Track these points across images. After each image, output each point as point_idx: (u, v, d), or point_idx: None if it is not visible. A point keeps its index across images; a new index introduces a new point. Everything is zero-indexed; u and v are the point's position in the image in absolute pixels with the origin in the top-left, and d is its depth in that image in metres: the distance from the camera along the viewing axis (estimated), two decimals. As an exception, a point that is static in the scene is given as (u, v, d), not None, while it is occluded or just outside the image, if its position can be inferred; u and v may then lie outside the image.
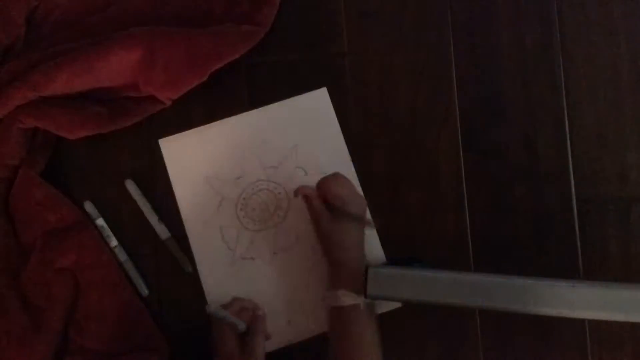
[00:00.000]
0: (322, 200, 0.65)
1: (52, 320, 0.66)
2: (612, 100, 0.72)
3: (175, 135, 0.72)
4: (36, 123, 0.67)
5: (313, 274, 0.69)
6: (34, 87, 0.65)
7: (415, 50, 0.73)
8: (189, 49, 0.67)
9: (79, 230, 0.69)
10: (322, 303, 0.65)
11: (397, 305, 0.69)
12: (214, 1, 0.72)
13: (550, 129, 0.72)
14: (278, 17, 0.72)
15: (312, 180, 0.70)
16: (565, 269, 0.70)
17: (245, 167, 0.72)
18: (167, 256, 0.71)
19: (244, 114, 0.72)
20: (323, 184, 0.65)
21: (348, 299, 0.62)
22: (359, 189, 0.70)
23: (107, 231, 0.70)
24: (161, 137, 0.72)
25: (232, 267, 0.70)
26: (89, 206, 0.70)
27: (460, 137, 0.72)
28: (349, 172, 0.71)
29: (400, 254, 0.70)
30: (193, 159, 0.72)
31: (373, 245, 0.70)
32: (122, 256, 0.70)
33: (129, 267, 0.70)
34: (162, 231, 0.70)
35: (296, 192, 0.67)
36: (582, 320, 0.70)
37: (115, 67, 0.66)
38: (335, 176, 0.65)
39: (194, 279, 0.70)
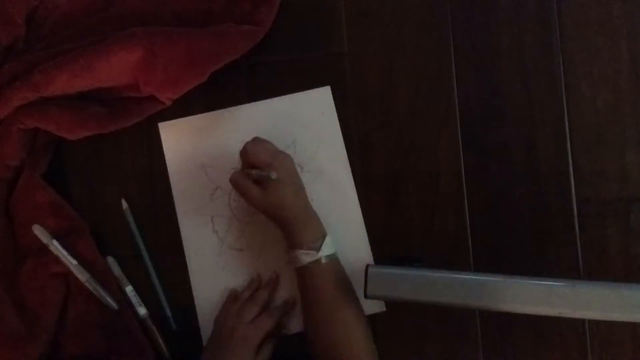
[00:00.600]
0: (249, 167, 0.65)
1: (45, 325, 0.66)
2: (612, 100, 0.72)
3: (175, 120, 0.72)
4: (36, 123, 0.67)
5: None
6: (34, 87, 0.65)
7: (415, 50, 0.73)
8: (189, 49, 0.67)
9: (76, 237, 0.69)
10: (288, 267, 0.66)
11: (382, 309, 0.70)
12: (214, 1, 0.72)
13: (550, 129, 0.72)
14: (278, 17, 0.71)
15: (306, 176, 0.70)
16: (565, 269, 0.70)
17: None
18: (167, 256, 0.71)
19: (246, 105, 0.72)
20: (244, 153, 0.65)
21: (307, 257, 0.63)
22: (355, 192, 0.71)
23: (63, 251, 0.67)
24: (160, 138, 0.72)
25: (220, 257, 0.71)
26: (38, 231, 0.67)
27: (460, 137, 0.72)
28: (346, 172, 0.71)
29: (400, 254, 0.70)
30: (191, 145, 0.72)
31: (362, 246, 0.70)
32: (84, 276, 0.68)
33: (93, 285, 0.67)
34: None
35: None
36: (582, 320, 0.70)
37: (115, 67, 0.66)
38: (254, 140, 0.65)
39: (186, 282, 0.70)
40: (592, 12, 0.72)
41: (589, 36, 0.72)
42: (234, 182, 0.65)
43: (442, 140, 0.72)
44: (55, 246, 0.67)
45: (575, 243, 0.71)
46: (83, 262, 0.68)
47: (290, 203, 0.64)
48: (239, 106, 0.72)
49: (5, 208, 0.69)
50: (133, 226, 0.71)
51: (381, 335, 0.68)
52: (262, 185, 0.63)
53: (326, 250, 0.64)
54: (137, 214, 0.71)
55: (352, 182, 0.71)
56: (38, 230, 0.67)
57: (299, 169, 0.71)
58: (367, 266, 0.63)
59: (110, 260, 0.70)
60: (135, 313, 0.69)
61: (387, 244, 0.71)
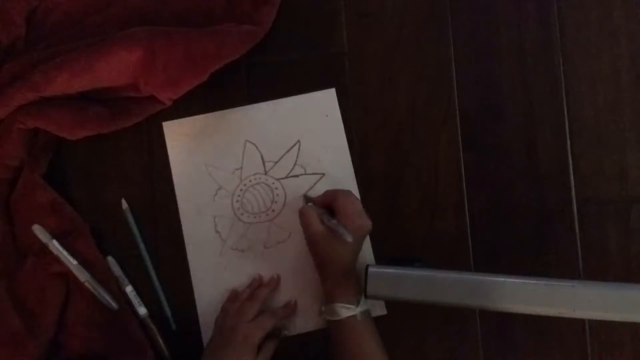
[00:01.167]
0: (324, 208, 0.65)
1: (45, 324, 0.66)
2: (612, 100, 0.72)
3: (179, 120, 0.72)
4: (36, 124, 0.67)
5: (302, 272, 0.70)
6: (34, 87, 0.65)
7: (415, 50, 0.73)
8: (189, 49, 0.67)
9: (76, 237, 0.69)
10: (321, 317, 0.66)
11: (383, 312, 0.70)
12: (214, 1, 0.72)
13: (550, 129, 0.72)
14: (278, 17, 0.72)
15: (309, 178, 0.70)
16: (565, 269, 0.70)
17: (245, 158, 0.72)
18: (167, 256, 0.71)
19: (251, 105, 0.72)
20: (332, 197, 0.65)
21: (344, 311, 0.63)
22: (356, 190, 0.71)
23: (63, 251, 0.67)
24: (161, 138, 0.72)
25: (222, 257, 0.71)
26: (38, 230, 0.67)
27: (460, 137, 0.72)
28: (349, 175, 0.71)
29: (400, 254, 0.70)
30: (195, 145, 0.72)
31: (363, 247, 0.70)
32: (84, 275, 0.68)
33: (93, 285, 0.67)
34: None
35: (304, 196, 0.68)
36: (582, 320, 0.70)
37: (115, 67, 0.66)
38: (349, 194, 0.65)
39: (187, 282, 0.70)
40: (592, 12, 0.72)
41: (589, 36, 0.72)
42: (306, 215, 0.64)
43: (442, 140, 0.72)
44: (55, 246, 0.67)
45: (575, 243, 0.71)
46: (83, 262, 0.68)
47: (345, 262, 0.64)
48: (244, 107, 0.72)
49: (6, 208, 0.69)
50: (133, 226, 0.71)
51: (381, 336, 0.68)
52: (331, 232, 0.63)
53: (363, 306, 0.64)
54: (137, 213, 0.71)
55: (355, 184, 0.71)
56: (38, 230, 0.67)
57: (301, 170, 0.71)
58: (367, 266, 0.63)
59: (111, 260, 0.70)
60: (135, 313, 0.69)
61: (387, 244, 0.71)
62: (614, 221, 0.71)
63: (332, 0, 0.73)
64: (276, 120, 0.72)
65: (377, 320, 0.69)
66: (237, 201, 0.71)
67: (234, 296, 0.69)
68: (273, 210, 0.71)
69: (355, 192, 0.71)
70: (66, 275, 0.68)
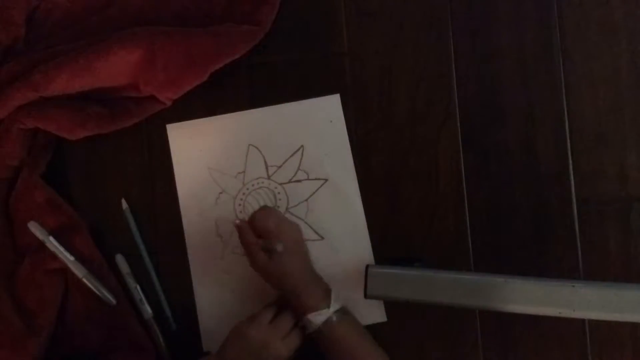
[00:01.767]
0: (256, 235, 0.64)
1: (44, 322, 0.66)
2: (612, 100, 0.72)
3: (183, 122, 0.72)
4: (36, 123, 0.67)
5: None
6: (34, 87, 0.65)
7: (415, 50, 0.73)
8: (189, 49, 0.67)
9: (75, 234, 0.69)
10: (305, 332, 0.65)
11: (383, 319, 0.69)
12: (214, 1, 0.72)
13: (550, 129, 0.72)
14: (278, 17, 0.72)
15: (312, 183, 0.70)
16: (565, 269, 0.70)
17: (248, 162, 0.72)
18: (168, 256, 0.71)
19: (255, 110, 0.72)
20: (251, 220, 0.64)
21: (319, 317, 0.62)
22: (359, 199, 0.71)
23: (60, 247, 0.67)
24: (161, 138, 0.72)
25: (223, 261, 0.71)
26: (34, 227, 0.67)
27: (460, 137, 0.72)
28: (352, 181, 0.71)
29: (400, 254, 0.70)
30: (198, 148, 0.72)
31: (364, 249, 0.70)
32: (81, 271, 0.68)
33: (91, 281, 0.67)
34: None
35: (235, 222, 0.66)
36: (582, 320, 0.70)
37: (115, 67, 0.66)
38: (263, 209, 0.65)
39: (187, 282, 0.70)
40: (592, 12, 0.72)
41: (589, 36, 0.72)
42: (243, 239, 0.64)
43: (442, 140, 0.72)
44: (52, 242, 0.67)
45: (575, 243, 0.71)
46: (81, 259, 0.68)
47: (295, 272, 0.64)
48: (248, 111, 0.72)
49: (5, 207, 0.69)
50: (133, 226, 0.71)
51: (381, 336, 0.68)
52: (268, 253, 0.63)
53: (335, 305, 0.63)
54: (137, 213, 0.71)
55: (357, 189, 0.71)
56: (34, 227, 0.67)
57: (304, 175, 0.71)
58: (367, 266, 0.63)
59: (119, 258, 0.70)
60: (140, 312, 0.69)
61: (387, 244, 0.71)
62: (614, 221, 0.71)
63: (332, 0, 0.73)
64: (280, 124, 0.72)
65: (377, 324, 0.69)
66: (240, 205, 0.71)
67: (266, 306, 0.67)
68: (275, 216, 0.71)
69: (357, 196, 0.71)
70: (64, 272, 0.68)
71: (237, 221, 0.65)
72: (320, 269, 0.67)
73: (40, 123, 0.67)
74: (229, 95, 0.72)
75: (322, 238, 0.70)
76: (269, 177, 0.72)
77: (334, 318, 0.62)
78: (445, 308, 0.67)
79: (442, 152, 0.72)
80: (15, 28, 0.70)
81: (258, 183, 0.72)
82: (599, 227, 0.71)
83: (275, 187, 0.71)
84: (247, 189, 0.71)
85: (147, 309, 0.69)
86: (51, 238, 0.67)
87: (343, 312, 0.64)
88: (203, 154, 0.72)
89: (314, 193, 0.71)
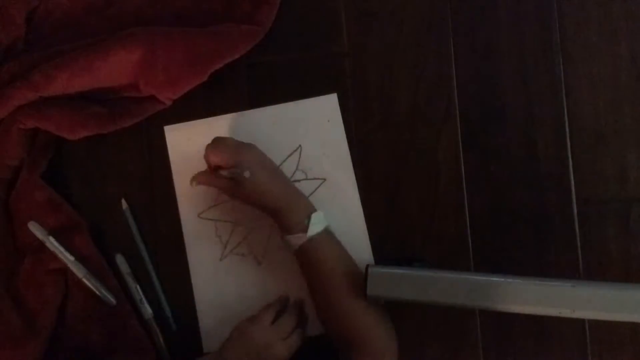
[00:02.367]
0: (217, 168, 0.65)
1: (44, 321, 0.66)
2: (612, 100, 0.72)
3: (180, 124, 0.72)
4: (36, 123, 0.67)
5: (300, 279, 0.69)
6: (34, 87, 0.65)
7: (415, 50, 0.73)
8: (189, 49, 0.67)
9: (74, 233, 0.69)
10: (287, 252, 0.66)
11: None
12: (214, 1, 0.72)
13: (550, 129, 0.72)
14: (278, 17, 0.71)
15: (310, 183, 0.70)
16: (565, 269, 0.70)
17: (247, 163, 0.72)
18: (168, 256, 0.71)
19: (252, 110, 0.72)
20: (207, 156, 0.65)
21: (297, 240, 0.63)
22: (358, 198, 0.71)
23: (60, 248, 0.67)
24: (161, 138, 0.72)
25: (222, 262, 0.71)
26: (33, 227, 0.68)
27: (460, 137, 0.72)
28: (350, 180, 0.71)
29: (400, 254, 0.70)
30: (196, 149, 0.71)
31: (363, 249, 0.70)
32: (81, 272, 0.68)
33: (91, 281, 0.67)
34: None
35: (192, 181, 0.66)
36: (582, 320, 0.70)
37: (115, 67, 0.66)
38: (212, 144, 0.65)
39: (187, 283, 0.71)
40: (592, 12, 0.72)
41: (589, 36, 0.72)
42: (205, 182, 0.65)
43: (442, 140, 0.72)
44: (52, 242, 0.67)
45: (575, 243, 0.71)
46: (81, 259, 0.68)
47: (267, 190, 0.64)
48: (245, 111, 0.72)
49: (5, 207, 0.69)
50: (133, 226, 0.71)
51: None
52: (235, 180, 0.63)
53: (315, 228, 0.63)
54: (137, 213, 0.71)
55: (356, 188, 0.71)
56: (34, 227, 0.67)
57: (303, 175, 0.71)
58: (367, 266, 0.63)
59: (120, 258, 0.70)
60: (140, 312, 0.69)
61: (387, 244, 0.71)
62: (614, 221, 0.71)
63: (332, 0, 0.73)
64: (278, 125, 0.72)
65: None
66: (238, 205, 0.71)
67: (267, 307, 0.67)
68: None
69: (356, 195, 0.71)
70: (64, 271, 0.68)
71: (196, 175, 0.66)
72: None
73: (40, 123, 0.67)
74: (229, 95, 0.72)
75: (322, 238, 0.71)
76: None
77: (315, 239, 0.63)
78: (445, 308, 0.67)
79: (442, 152, 0.72)
80: (15, 28, 0.70)
81: (257, 183, 0.72)
82: (599, 227, 0.71)
83: (275, 187, 0.71)
84: (247, 189, 0.71)
85: (147, 309, 0.69)
86: (51, 238, 0.67)
87: (325, 233, 0.64)
88: (201, 156, 0.71)
89: (312, 193, 0.71)
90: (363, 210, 0.71)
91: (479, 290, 0.62)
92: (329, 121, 0.72)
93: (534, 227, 0.71)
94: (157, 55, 0.66)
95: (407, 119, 0.72)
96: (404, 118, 0.72)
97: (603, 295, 0.60)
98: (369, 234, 0.70)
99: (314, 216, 0.63)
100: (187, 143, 0.72)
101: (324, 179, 0.71)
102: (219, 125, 0.72)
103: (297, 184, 0.71)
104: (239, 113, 0.72)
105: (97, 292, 0.67)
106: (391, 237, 0.71)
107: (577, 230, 0.71)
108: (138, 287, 0.69)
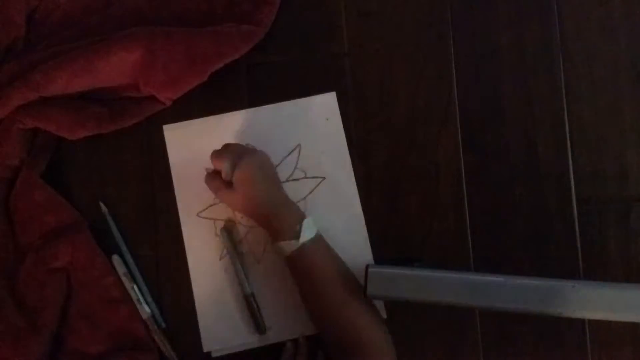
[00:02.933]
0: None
1: (46, 321, 0.66)
2: (612, 100, 0.72)
3: (179, 123, 0.72)
4: (36, 123, 0.67)
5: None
6: (34, 87, 0.65)
7: (415, 50, 0.73)
8: (189, 49, 0.67)
9: (75, 232, 0.69)
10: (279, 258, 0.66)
11: (383, 316, 0.69)
12: (214, 1, 0.72)
13: (550, 129, 0.72)
14: (278, 17, 0.72)
15: (309, 182, 0.70)
16: (565, 269, 0.70)
17: (246, 161, 0.72)
18: (168, 256, 0.71)
19: (251, 109, 0.72)
20: (212, 159, 0.66)
21: (288, 247, 0.63)
22: (357, 197, 0.71)
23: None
24: (161, 138, 0.72)
25: (222, 261, 0.71)
26: (116, 262, 0.70)
27: (460, 137, 0.72)
28: (349, 179, 0.71)
29: (400, 254, 0.70)
30: (195, 148, 0.72)
31: (362, 248, 0.70)
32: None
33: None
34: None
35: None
36: (582, 320, 0.70)
37: (115, 67, 0.66)
38: (218, 149, 0.66)
39: (187, 283, 0.70)
40: (592, 12, 0.72)
41: (589, 36, 0.72)
42: (207, 183, 0.67)
43: (442, 140, 0.72)
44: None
45: (575, 243, 0.71)
46: (82, 257, 0.68)
47: (261, 199, 0.64)
48: (244, 110, 0.72)
49: (5, 207, 0.69)
50: (114, 229, 0.70)
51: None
52: (229, 185, 0.64)
53: (306, 234, 0.63)
54: (137, 214, 0.71)
55: (355, 187, 0.71)
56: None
57: (302, 174, 0.71)
58: (367, 266, 0.63)
59: (116, 258, 0.70)
60: (139, 312, 0.69)
61: (387, 244, 0.71)
62: (614, 221, 0.71)
63: (332, 0, 0.73)
64: (277, 123, 0.72)
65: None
66: None
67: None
68: (273, 214, 0.71)
69: (355, 194, 0.71)
70: (66, 270, 0.68)
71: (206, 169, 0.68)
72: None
73: (40, 123, 0.67)
74: (229, 95, 0.72)
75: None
76: None
77: (307, 246, 0.63)
78: (445, 308, 0.67)
79: (442, 152, 0.72)
80: (15, 28, 0.70)
81: (256, 182, 0.72)
82: (599, 227, 0.71)
83: (274, 186, 0.71)
84: (245, 188, 0.72)
85: (145, 309, 0.69)
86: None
87: (317, 238, 0.64)
88: (200, 155, 0.71)
89: (311, 191, 0.71)
90: (363, 209, 0.71)
91: (479, 290, 0.62)
92: (328, 119, 0.72)
93: (534, 227, 0.71)
94: (157, 55, 0.66)
95: (407, 119, 0.72)
96: (404, 118, 0.72)
97: (603, 295, 0.60)
98: (369, 234, 0.70)
99: (305, 222, 0.63)
100: (186, 142, 0.72)
101: (323, 178, 0.71)
102: (218, 125, 0.72)
103: (296, 183, 0.71)
104: (237, 112, 0.72)
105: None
106: (391, 237, 0.71)
107: (577, 230, 0.71)
108: (135, 287, 0.69)
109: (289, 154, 0.72)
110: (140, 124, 0.71)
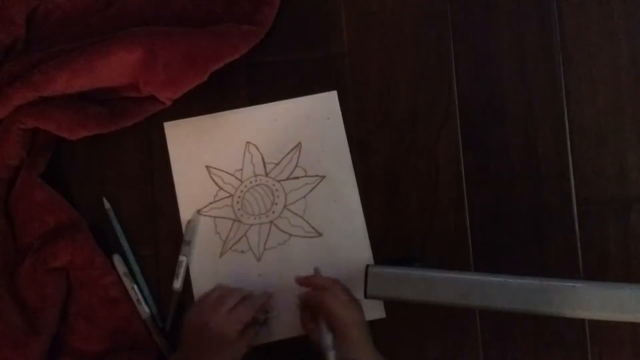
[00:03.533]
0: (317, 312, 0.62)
1: (46, 321, 0.66)
2: (612, 100, 0.72)
3: (180, 120, 0.72)
4: (36, 123, 0.67)
5: (301, 275, 0.69)
6: (34, 87, 0.65)
7: (415, 50, 0.73)
8: (189, 49, 0.67)
9: (75, 232, 0.69)
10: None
11: (382, 315, 0.69)
12: (214, 1, 0.72)
13: (550, 129, 0.72)
14: (278, 17, 0.72)
15: (310, 180, 0.70)
16: (565, 269, 0.70)
17: (246, 160, 0.72)
18: (168, 256, 0.71)
19: (252, 107, 0.72)
20: (318, 300, 0.61)
21: None
22: (357, 196, 0.71)
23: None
24: (161, 138, 0.72)
25: (221, 258, 0.71)
26: (117, 260, 0.69)
27: (460, 137, 0.72)
28: (350, 178, 0.71)
29: (400, 254, 0.70)
30: (196, 145, 0.72)
31: (362, 247, 0.70)
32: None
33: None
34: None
35: (300, 281, 0.65)
36: (582, 320, 0.70)
37: (115, 67, 0.66)
38: (334, 286, 0.62)
39: (187, 282, 0.70)
40: (592, 12, 0.72)
41: (589, 36, 0.72)
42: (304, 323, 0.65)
43: (442, 140, 0.72)
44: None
45: (575, 243, 0.71)
46: (83, 257, 0.68)
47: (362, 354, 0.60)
48: (245, 108, 0.72)
49: (5, 207, 0.69)
50: (116, 225, 0.70)
51: (381, 336, 0.68)
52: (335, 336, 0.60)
53: None
54: (137, 213, 0.71)
55: (355, 186, 0.71)
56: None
57: (302, 172, 0.71)
58: (367, 266, 0.63)
59: (117, 258, 0.70)
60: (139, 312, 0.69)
61: (387, 244, 0.71)
62: (614, 221, 0.71)
63: (332, 0, 0.73)
64: (278, 121, 0.72)
65: (377, 322, 0.69)
66: (238, 202, 0.71)
67: (210, 292, 0.65)
68: (273, 212, 0.71)
69: (355, 192, 0.71)
70: (66, 270, 0.68)
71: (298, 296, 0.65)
72: (320, 265, 0.67)
73: (40, 123, 0.67)
74: (229, 95, 0.72)
75: (321, 234, 0.71)
76: (267, 174, 0.72)
77: None
78: (445, 308, 0.67)
79: (442, 152, 0.72)
80: (15, 28, 0.70)
81: (256, 180, 0.72)
82: (599, 227, 0.71)
83: (273, 184, 0.71)
84: (245, 186, 0.72)
85: (145, 309, 0.69)
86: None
87: None
88: (201, 152, 0.72)
89: (312, 190, 0.71)
90: (363, 209, 0.71)
91: (479, 290, 0.62)
92: (329, 118, 0.72)
93: (534, 227, 0.71)
94: (157, 55, 0.66)
95: (407, 119, 0.72)
96: (404, 118, 0.72)
97: (603, 295, 0.60)
98: (369, 233, 0.70)
99: None
100: (186, 139, 0.72)
101: (324, 176, 0.71)
102: (219, 122, 0.72)
103: (296, 181, 0.71)
104: (239, 110, 0.72)
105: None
106: (391, 237, 0.71)
107: (577, 230, 0.71)
108: (135, 286, 0.69)
109: (290, 152, 0.72)
110: (141, 123, 0.71)
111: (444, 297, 0.62)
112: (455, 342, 0.70)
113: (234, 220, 0.71)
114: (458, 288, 0.62)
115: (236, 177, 0.72)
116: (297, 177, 0.72)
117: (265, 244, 0.71)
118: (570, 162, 0.71)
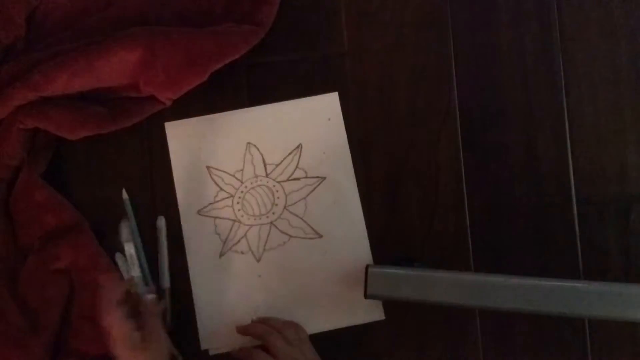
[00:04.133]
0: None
1: (48, 322, 0.66)
2: (612, 100, 0.72)
3: (181, 120, 0.72)
4: (36, 123, 0.67)
5: (301, 275, 0.69)
6: (34, 87, 0.65)
7: (415, 50, 0.73)
8: (189, 49, 0.67)
9: (77, 233, 0.69)
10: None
11: (381, 317, 0.69)
12: (214, 1, 0.72)
13: (550, 129, 0.72)
14: (278, 17, 0.72)
15: (310, 182, 0.71)
16: (565, 269, 0.70)
17: (247, 160, 0.72)
18: (168, 256, 0.71)
19: (253, 108, 0.72)
20: (252, 332, 0.65)
21: None
22: (357, 197, 0.71)
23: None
24: (161, 138, 0.72)
25: (221, 259, 0.71)
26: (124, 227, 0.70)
27: (460, 137, 0.72)
28: (350, 179, 0.71)
29: (400, 254, 0.70)
30: (196, 146, 0.72)
31: (362, 247, 0.70)
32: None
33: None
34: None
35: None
36: (582, 320, 0.70)
37: (115, 67, 0.66)
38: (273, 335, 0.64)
39: (187, 282, 0.70)
40: (592, 12, 0.72)
41: (589, 36, 0.72)
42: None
43: (442, 140, 0.72)
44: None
45: (575, 243, 0.71)
46: (85, 257, 0.68)
47: None
48: (246, 109, 0.72)
49: (5, 208, 0.69)
50: (132, 220, 0.70)
51: (381, 336, 0.68)
52: None
53: None
54: (137, 213, 0.71)
55: (356, 188, 0.71)
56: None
57: (303, 174, 0.71)
58: (367, 266, 0.63)
59: (119, 257, 0.70)
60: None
61: (387, 244, 0.71)
62: (614, 221, 0.71)
63: (332, 0, 0.73)
64: (278, 122, 0.72)
65: (376, 324, 0.69)
66: (238, 203, 0.71)
67: (284, 323, 0.67)
68: (273, 213, 0.71)
69: (356, 194, 0.71)
70: (69, 271, 0.68)
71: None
72: (319, 267, 0.67)
73: (40, 123, 0.67)
74: (229, 95, 0.72)
75: (321, 236, 0.71)
76: (267, 175, 0.72)
77: None
78: (445, 308, 0.67)
79: (442, 152, 0.72)
80: (15, 28, 0.70)
81: (256, 181, 0.72)
82: (599, 227, 0.71)
83: (274, 185, 0.71)
84: (245, 187, 0.72)
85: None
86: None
87: None
88: (201, 152, 0.72)
89: (312, 191, 0.71)
90: (363, 209, 0.71)
91: (479, 290, 0.62)
92: (329, 120, 0.72)
93: (534, 227, 0.71)
94: (157, 55, 0.66)
95: (407, 119, 0.72)
96: (404, 118, 0.72)
97: (603, 295, 0.60)
98: (369, 234, 0.70)
99: None
100: (187, 139, 0.72)
101: (324, 178, 0.71)
102: (220, 123, 0.72)
103: (297, 183, 0.71)
104: (240, 110, 0.72)
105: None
106: (391, 237, 0.71)
107: (577, 230, 0.71)
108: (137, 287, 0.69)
109: (290, 153, 0.72)
110: (141, 123, 0.71)
111: (444, 297, 0.62)
112: (455, 342, 0.70)
113: (234, 220, 0.71)
114: (458, 288, 0.62)
115: (236, 178, 0.72)
116: (298, 179, 0.72)
117: (265, 244, 0.71)
118: (570, 162, 0.71)
